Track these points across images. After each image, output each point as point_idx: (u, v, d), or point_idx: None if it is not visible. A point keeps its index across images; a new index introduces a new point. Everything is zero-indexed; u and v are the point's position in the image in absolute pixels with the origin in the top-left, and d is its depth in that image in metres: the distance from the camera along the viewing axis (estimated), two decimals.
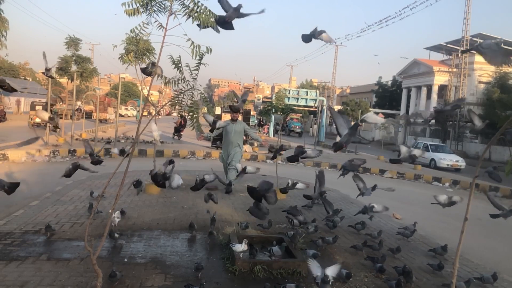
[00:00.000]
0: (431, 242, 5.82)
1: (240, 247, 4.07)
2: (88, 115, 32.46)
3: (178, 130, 22.02)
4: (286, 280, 3.94)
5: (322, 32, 3.62)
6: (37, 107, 22.80)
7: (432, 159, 20.67)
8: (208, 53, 3.64)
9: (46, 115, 3.86)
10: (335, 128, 3.42)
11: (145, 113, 24.73)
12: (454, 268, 2.93)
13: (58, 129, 7.14)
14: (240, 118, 20.57)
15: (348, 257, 4.84)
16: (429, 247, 5.58)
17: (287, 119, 38.60)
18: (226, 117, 17.72)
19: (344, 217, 6.38)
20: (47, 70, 4.39)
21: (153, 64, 3.70)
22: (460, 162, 20.32)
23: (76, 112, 20.83)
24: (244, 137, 10.56)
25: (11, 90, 3.18)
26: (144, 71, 3.79)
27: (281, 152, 6.91)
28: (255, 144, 18.81)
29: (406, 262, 4.74)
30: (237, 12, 3.22)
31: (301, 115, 44.13)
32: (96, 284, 3.22)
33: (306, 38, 3.68)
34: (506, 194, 12.44)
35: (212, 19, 3.39)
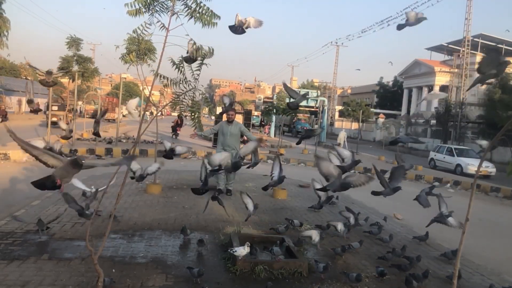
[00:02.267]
0: (433, 243, 5.81)
1: (243, 252, 3.99)
2: (92, 115, 32.45)
3: (174, 129, 22.48)
4: (287, 281, 3.94)
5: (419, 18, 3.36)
6: (53, 107, 23.39)
7: (458, 165, 18.78)
8: (210, 54, 3.66)
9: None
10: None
11: (147, 113, 24.81)
12: (455, 269, 2.94)
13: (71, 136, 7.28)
14: (241, 118, 20.08)
15: (349, 257, 4.83)
16: (431, 248, 5.57)
17: (294, 120, 37.78)
18: (237, 117, 17.49)
19: (368, 217, 6.37)
20: (49, 73, 4.31)
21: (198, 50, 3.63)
22: (490, 168, 18.14)
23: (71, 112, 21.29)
24: (245, 137, 10.40)
25: None
26: (187, 59, 3.74)
27: (282, 153, 6.86)
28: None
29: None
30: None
31: (308, 116, 42.67)
32: (98, 284, 3.23)
33: (401, 27, 3.48)
34: (507, 194, 12.41)
35: (214, 20, 3.41)
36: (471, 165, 18.17)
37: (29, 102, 4.29)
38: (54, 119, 21.73)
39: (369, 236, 5.66)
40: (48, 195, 6.78)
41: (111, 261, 4.11)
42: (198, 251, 4.60)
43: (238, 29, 3.64)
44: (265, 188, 5.09)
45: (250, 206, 4.91)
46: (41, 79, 4.49)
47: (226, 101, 7.43)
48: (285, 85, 5.52)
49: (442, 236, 6.00)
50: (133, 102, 5.13)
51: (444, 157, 20.28)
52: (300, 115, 40.20)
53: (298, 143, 6.99)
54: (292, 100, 5.76)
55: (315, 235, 4.69)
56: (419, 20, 3.33)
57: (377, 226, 5.81)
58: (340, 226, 5.24)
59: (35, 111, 4.61)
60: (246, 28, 3.66)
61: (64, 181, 2.60)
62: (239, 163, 4.35)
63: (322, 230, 5.59)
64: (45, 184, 2.61)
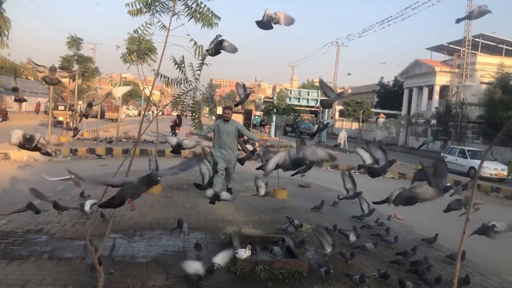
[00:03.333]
0: (434, 243, 5.80)
1: (244, 254, 3.99)
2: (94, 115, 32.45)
3: (173, 128, 22.72)
4: (287, 281, 3.94)
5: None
6: (60, 107, 23.70)
7: (472, 167, 17.57)
8: (210, 54, 3.66)
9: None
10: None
11: (149, 113, 24.86)
12: (455, 269, 2.93)
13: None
14: (241, 118, 19.87)
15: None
16: (432, 248, 5.57)
17: (298, 120, 37.04)
18: (237, 117, 17.34)
19: (379, 219, 6.21)
20: (53, 70, 4.23)
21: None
22: (506, 170, 16.91)
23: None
24: (245, 138, 10.29)
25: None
26: (261, 24, 3.63)
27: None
28: (256, 144, 18.72)
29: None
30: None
31: (312, 116, 40.71)
32: (98, 283, 3.23)
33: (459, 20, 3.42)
34: (507, 195, 12.41)
35: (215, 21, 3.41)
36: (486, 167, 16.80)
37: (14, 90, 4.24)
38: (61, 118, 21.87)
39: (373, 237, 5.66)
40: (48, 195, 6.77)
41: (112, 261, 4.11)
42: (197, 255, 4.51)
43: (266, 24, 3.56)
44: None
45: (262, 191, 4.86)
46: (44, 77, 4.42)
47: (241, 91, 7.09)
48: (321, 81, 5.18)
49: (444, 236, 6.00)
50: (120, 89, 5.27)
51: (456, 159, 19.02)
52: (304, 115, 39.71)
53: (313, 136, 6.98)
54: (325, 97, 5.54)
55: (327, 245, 4.50)
56: (482, 13, 3.23)
57: (385, 228, 5.78)
58: (352, 237, 5.06)
59: (19, 100, 4.56)
60: (275, 23, 3.58)
61: (134, 198, 2.53)
62: (302, 159, 3.76)
63: (328, 232, 5.56)
64: (112, 203, 2.54)
